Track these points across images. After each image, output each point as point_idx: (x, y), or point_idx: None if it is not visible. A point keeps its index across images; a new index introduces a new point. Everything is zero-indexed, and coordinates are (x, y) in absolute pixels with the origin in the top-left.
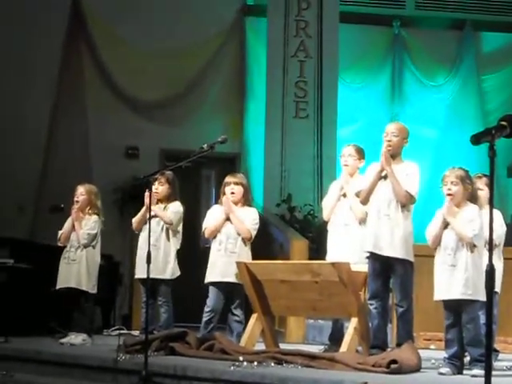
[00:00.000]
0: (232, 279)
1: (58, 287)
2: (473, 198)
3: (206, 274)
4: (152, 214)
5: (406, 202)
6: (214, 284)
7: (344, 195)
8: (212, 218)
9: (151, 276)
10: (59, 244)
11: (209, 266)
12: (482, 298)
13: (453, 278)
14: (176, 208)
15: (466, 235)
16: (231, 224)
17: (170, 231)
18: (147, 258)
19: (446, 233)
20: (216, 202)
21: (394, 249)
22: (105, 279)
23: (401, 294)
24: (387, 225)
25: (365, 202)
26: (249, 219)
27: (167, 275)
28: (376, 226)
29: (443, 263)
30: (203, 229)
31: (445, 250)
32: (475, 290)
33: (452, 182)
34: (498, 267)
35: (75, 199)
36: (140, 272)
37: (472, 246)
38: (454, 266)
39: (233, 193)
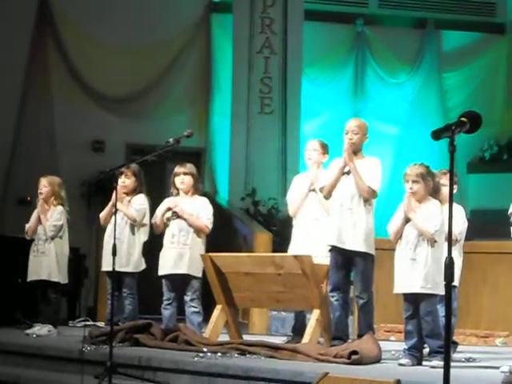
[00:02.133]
0: (184, 271)
1: (28, 280)
2: (434, 192)
3: (159, 267)
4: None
5: (368, 196)
6: (166, 277)
7: (313, 190)
8: (158, 211)
9: (116, 269)
10: (27, 237)
11: (161, 258)
12: (441, 292)
13: (413, 272)
14: (139, 203)
15: (426, 231)
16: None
17: (138, 230)
18: (112, 251)
19: (407, 227)
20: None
21: (356, 243)
22: (71, 271)
23: (361, 287)
24: (350, 219)
25: (327, 196)
26: (203, 213)
27: (130, 268)
28: (339, 220)
29: (404, 257)
30: (153, 223)
31: (406, 244)
32: (434, 284)
33: (413, 181)
34: (458, 262)
35: (39, 191)
36: (105, 265)
37: (433, 242)
38: (414, 259)
39: (182, 183)
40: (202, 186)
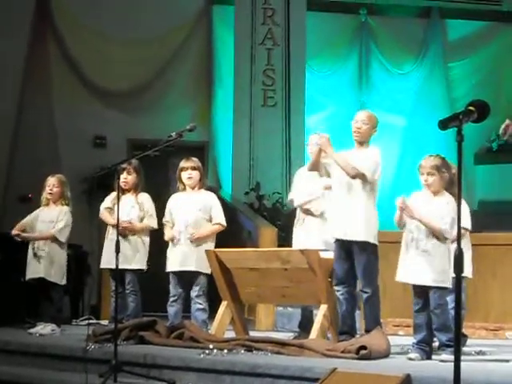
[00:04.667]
0: (192, 268)
1: (27, 278)
2: (449, 185)
3: (167, 264)
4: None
5: (354, 175)
6: (174, 273)
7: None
8: (169, 214)
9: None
10: (12, 232)
11: (168, 255)
12: (449, 284)
13: (424, 265)
14: (151, 208)
15: (436, 229)
16: (190, 212)
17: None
18: (116, 247)
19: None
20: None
21: (355, 232)
22: (73, 269)
23: (364, 280)
24: (347, 208)
25: (309, 169)
26: (217, 213)
27: (134, 265)
28: (338, 211)
29: (415, 247)
30: (164, 222)
31: (418, 234)
32: (446, 277)
33: (428, 173)
34: (467, 254)
35: (48, 191)
36: (108, 262)
37: (443, 238)
38: (426, 251)
39: (190, 178)
40: (207, 181)
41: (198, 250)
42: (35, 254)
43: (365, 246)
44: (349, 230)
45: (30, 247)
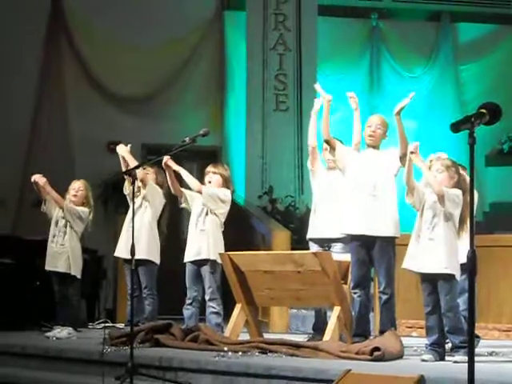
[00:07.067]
0: (203, 256)
1: (47, 268)
2: (458, 188)
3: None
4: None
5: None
6: (187, 267)
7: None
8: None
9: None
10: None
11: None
12: (457, 272)
13: (430, 252)
14: (153, 187)
15: (434, 185)
16: (200, 202)
17: (152, 216)
18: (131, 251)
19: (426, 207)
20: None
21: (383, 227)
22: (89, 273)
23: (385, 281)
24: (375, 203)
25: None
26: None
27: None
28: (362, 206)
29: (423, 237)
30: None
31: (424, 223)
32: (451, 264)
33: (437, 170)
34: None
35: (73, 193)
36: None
37: (441, 198)
38: (432, 239)
39: (210, 181)
40: (233, 190)
41: (206, 238)
42: (56, 246)
43: (390, 242)
44: (375, 226)
45: (51, 238)
